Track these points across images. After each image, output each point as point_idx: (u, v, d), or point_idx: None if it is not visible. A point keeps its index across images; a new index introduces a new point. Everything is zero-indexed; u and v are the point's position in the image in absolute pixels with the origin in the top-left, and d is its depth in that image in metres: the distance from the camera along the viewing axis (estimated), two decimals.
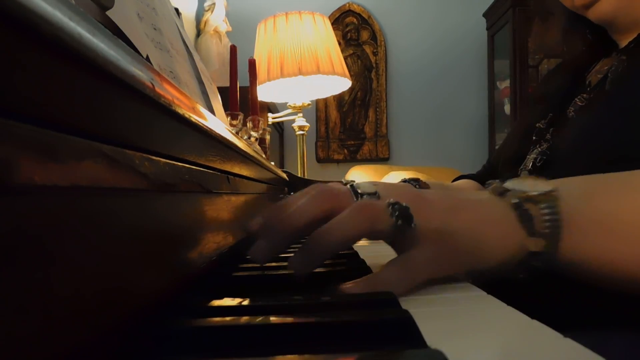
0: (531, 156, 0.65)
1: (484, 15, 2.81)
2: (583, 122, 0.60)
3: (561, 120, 0.65)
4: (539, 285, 0.51)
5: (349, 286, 0.31)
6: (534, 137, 0.68)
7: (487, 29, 2.82)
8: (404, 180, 0.74)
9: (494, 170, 0.81)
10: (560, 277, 0.36)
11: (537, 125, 0.68)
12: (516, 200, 0.34)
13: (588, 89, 0.65)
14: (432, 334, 0.22)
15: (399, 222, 0.32)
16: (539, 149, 0.64)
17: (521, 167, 0.66)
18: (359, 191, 0.34)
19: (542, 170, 0.61)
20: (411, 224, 0.32)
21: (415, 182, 0.71)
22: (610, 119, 0.53)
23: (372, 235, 0.33)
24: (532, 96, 1.95)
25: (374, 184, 0.36)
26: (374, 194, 0.34)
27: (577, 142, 0.57)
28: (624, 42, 0.64)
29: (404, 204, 0.32)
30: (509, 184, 0.36)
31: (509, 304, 0.27)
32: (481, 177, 0.87)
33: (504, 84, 2.75)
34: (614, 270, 0.35)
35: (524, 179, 0.36)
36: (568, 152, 0.57)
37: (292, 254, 0.33)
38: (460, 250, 0.34)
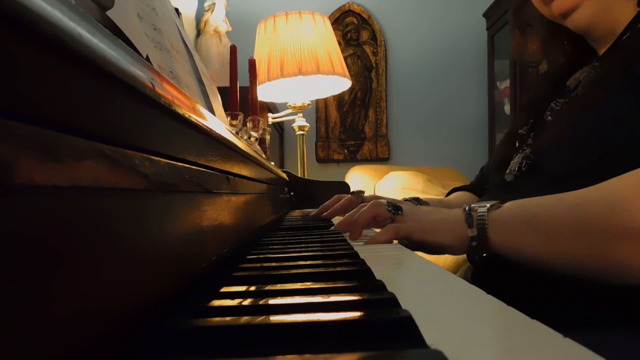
0: (515, 161, 0.69)
1: (484, 15, 2.81)
2: (559, 125, 0.63)
3: (540, 125, 0.68)
4: (539, 285, 0.52)
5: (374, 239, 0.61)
6: (517, 143, 0.71)
7: (487, 29, 2.82)
8: (405, 199, 0.81)
9: (485, 179, 0.85)
10: (502, 261, 0.53)
11: (519, 131, 0.72)
12: (466, 208, 0.56)
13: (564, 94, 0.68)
14: (432, 334, 0.22)
15: (390, 209, 0.63)
16: (523, 154, 0.67)
17: (507, 171, 0.69)
18: (390, 205, 0.64)
19: (528, 174, 0.63)
20: (399, 212, 0.62)
21: (416, 200, 0.83)
22: (584, 121, 0.56)
23: (380, 217, 0.64)
24: (519, 105, 2.12)
25: (401, 202, 0.69)
26: (399, 207, 0.63)
27: (555, 144, 0.60)
28: (602, 50, 0.66)
29: (397, 204, 0.64)
30: (475, 204, 0.56)
31: (509, 304, 0.27)
32: (474, 187, 0.92)
33: (504, 84, 2.75)
34: (528, 256, 0.51)
35: (487, 201, 0.56)
36: (549, 155, 0.60)
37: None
38: (428, 230, 0.59)
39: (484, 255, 0.54)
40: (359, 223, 0.66)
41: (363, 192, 0.91)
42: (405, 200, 0.84)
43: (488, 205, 0.55)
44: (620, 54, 0.57)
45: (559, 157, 0.58)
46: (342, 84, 1.93)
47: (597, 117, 0.54)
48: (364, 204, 0.70)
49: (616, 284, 0.46)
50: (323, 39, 1.83)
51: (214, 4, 2.26)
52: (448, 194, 0.97)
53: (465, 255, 0.62)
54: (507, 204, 0.54)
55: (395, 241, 0.62)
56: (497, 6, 2.64)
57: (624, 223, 0.43)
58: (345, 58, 2.61)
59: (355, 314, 0.24)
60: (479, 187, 0.88)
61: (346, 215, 0.72)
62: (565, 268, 0.49)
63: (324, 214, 0.89)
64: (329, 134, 3.03)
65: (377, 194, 1.81)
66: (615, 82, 0.54)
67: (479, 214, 0.54)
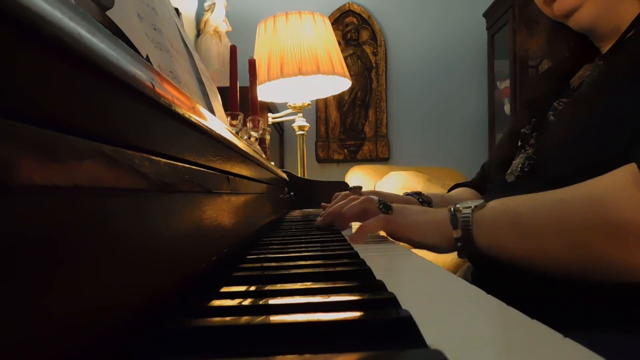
0: (517, 161, 0.68)
1: (484, 15, 2.81)
2: (562, 125, 0.62)
3: (543, 125, 0.67)
4: (538, 285, 0.52)
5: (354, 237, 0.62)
6: (519, 142, 0.71)
7: (487, 29, 2.82)
8: (407, 194, 0.81)
9: (487, 176, 0.85)
10: (486, 260, 0.54)
11: (521, 130, 0.72)
12: (451, 209, 0.56)
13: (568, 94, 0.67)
14: (432, 334, 0.22)
15: (381, 207, 0.64)
16: (525, 154, 0.67)
17: (508, 171, 0.68)
18: (381, 204, 0.65)
19: (531, 174, 0.63)
20: (389, 211, 0.63)
21: (417, 195, 0.84)
22: (588, 121, 0.55)
23: (369, 212, 0.66)
24: (520, 102, 2.13)
25: (402, 201, 0.79)
26: (390, 207, 0.64)
27: (559, 144, 0.59)
28: (605, 48, 0.66)
29: (388, 204, 0.64)
30: (460, 203, 0.56)
31: (509, 304, 0.27)
32: (476, 184, 0.92)
33: (504, 84, 2.75)
34: (513, 255, 0.51)
35: (472, 200, 0.57)
36: (552, 155, 0.60)
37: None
38: (415, 229, 0.60)
39: (470, 255, 0.55)
40: (346, 216, 0.68)
41: (361, 187, 0.91)
42: (407, 194, 0.84)
43: (472, 205, 0.55)
44: (625, 53, 0.57)
45: (562, 157, 0.57)
46: (342, 84, 1.93)
47: (602, 118, 0.54)
48: (354, 196, 0.73)
49: (599, 280, 0.46)
50: (323, 39, 1.83)
51: (214, 4, 2.26)
52: (450, 190, 0.97)
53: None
54: (492, 203, 0.55)
55: (383, 233, 0.64)
56: (497, 6, 2.64)
57: (605, 218, 0.44)
58: (345, 58, 2.61)
59: (355, 314, 0.24)
60: (481, 184, 0.88)
61: (334, 205, 0.74)
62: (549, 266, 0.49)
63: (323, 220, 0.80)
64: (329, 134, 3.03)
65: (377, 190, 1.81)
66: (620, 82, 0.53)
67: (463, 215, 0.55)
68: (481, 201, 0.55)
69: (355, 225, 0.79)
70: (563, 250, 0.47)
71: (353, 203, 0.68)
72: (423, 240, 0.59)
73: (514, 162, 0.69)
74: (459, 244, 0.55)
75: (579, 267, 0.47)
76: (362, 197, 0.69)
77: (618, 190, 0.43)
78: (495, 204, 0.55)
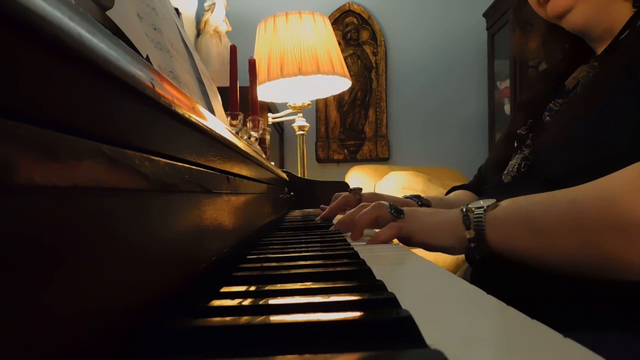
0: (513, 162, 0.69)
1: (484, 15, 2.81)
2: (558, 125, 0.63)
3: (539, 126, 0.68)
4: (539, 285, 0.52)
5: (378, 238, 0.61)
6: (515, 144, 0.71)
7: (487, 29, 2.82)
8: (406, 197, 0.81)
9: (483, 179, 0.85)
10: (501, 261, 0.54)
11: (518, 131, 0.72)
12: (464, 209, 0.57)
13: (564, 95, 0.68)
14: (432, 333, 0.22)
15: (392, 212, 0.63)
16: (522, 155, 0.67)
17: (505, 172, 0.69)
18: (392, 208, 0.64)
19: (527, 174, 0.64)
20: (401, 215, 0.63)
21: (416, 198, 0.85)
22: (583, 121, 0.56)
23: (381, 219, 0.64)
24: (517, 103, 2.15)
25: (401, 203, 0.77)
26: (401, 211, 0.63)
27: (554, 145, 0.60)
28: (600, 50, 0.66)
29: (399, 208, 0.64)
30: (472, 204, 0.57)
31: (508, 304, 0.27)
32: (473, 186, 0.92)
33: (504, 84, 2.75)
34: (526, 254, 0.51)
35: (484, 200, 0.57)
36: (548, 155, 0.60)
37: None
38: (429, 232, 0.60)
39: (484, 255, 0.54)
40: (360, 224, 0.66)
41: (361, 189, 0.91)
42: (406, 197, 0.85)
43: (485, 205, 0.55)
44: (619, 54, 0.57)
45: (558, 158, 0.58)
46: (342, 84, 1.93)
47: (597, 118, 0.54)
48: (365, 203, 0.70)
49: (611, 279, 0.46)
50: (323, 39, 1.83)
51: (214, 4, 2.26)
52: (447, 193, 0.98)
53: (464, 255, 0.62)
54: (504, 203, 0.55)
55: (395, 240, 0.62)
56: (497, 6, 2.64)
57: (618, 217, 0.43)
58: (345, 58, 2.61)
59: (355, 314, 0.24)
60: (478, 186, 0.88)
61: (347, 214, 0.71)
62: (562, 265, 0.49)
63: (324, 214, 0.89)
64: (329, 134, 3.03)
65: (377, 192, 1.81)
66: (615, 82, 0.54)
67: (476, 215, 0.55)
68: (493, 201, 0.55)
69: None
70: (576, 249, 0.47)
71: (365, 211, 0.66)
72: (437, 242, 0.59)
73: (510, 162, 0.69)
74: (472, 245, 0.55)
75: (591, 266, 0.47)
76: (373, 204, 0.67)
77: (631, 191, 0.43)
78: (507, 203, 0.54)
